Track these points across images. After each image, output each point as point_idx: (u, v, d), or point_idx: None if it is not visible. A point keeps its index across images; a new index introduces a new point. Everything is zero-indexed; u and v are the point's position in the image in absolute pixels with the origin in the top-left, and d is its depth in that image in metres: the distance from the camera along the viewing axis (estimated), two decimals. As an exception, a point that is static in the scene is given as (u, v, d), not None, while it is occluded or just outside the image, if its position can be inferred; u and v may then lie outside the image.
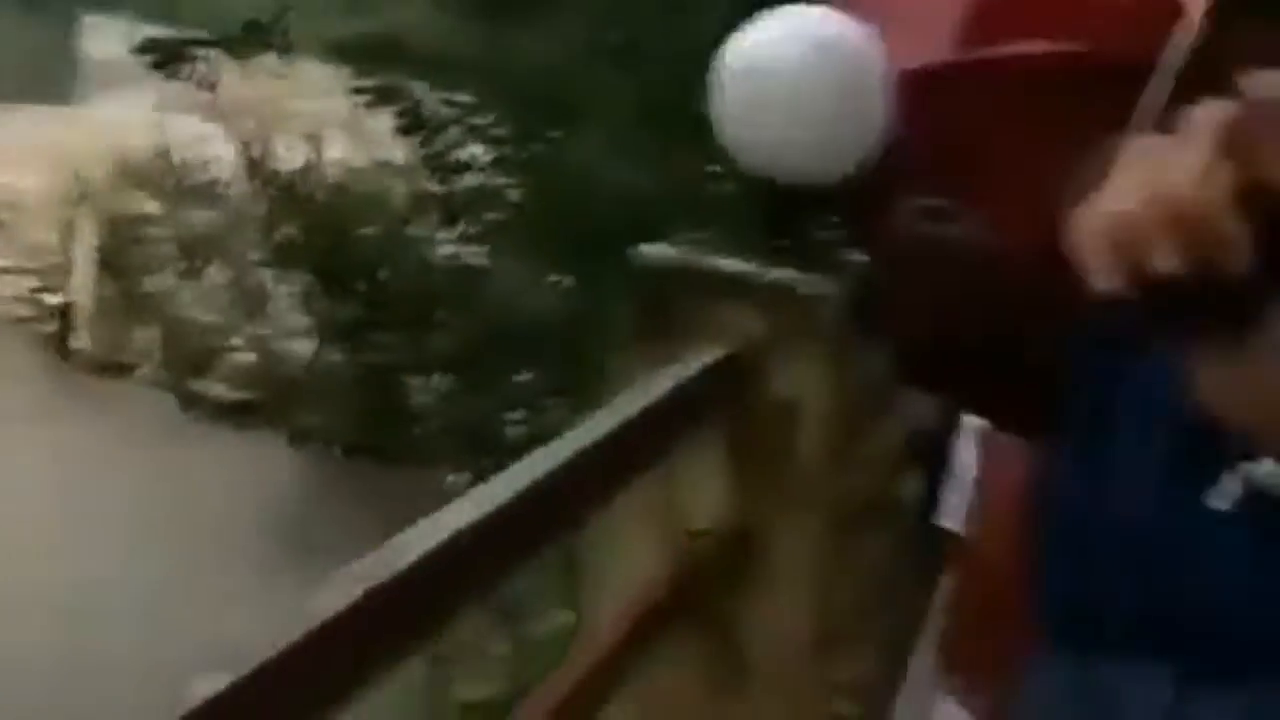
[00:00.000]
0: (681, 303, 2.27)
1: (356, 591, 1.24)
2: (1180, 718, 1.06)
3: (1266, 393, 0.87)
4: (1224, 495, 1.04)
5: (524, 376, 9.47)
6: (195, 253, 14.15)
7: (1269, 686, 1.03)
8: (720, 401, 2.26)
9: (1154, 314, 0.81)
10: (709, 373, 2.17)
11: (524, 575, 1.88)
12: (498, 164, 9.90)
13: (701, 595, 2.28)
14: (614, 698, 1.98)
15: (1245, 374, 0.85)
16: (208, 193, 14.14)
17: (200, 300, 14.11)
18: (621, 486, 1.98)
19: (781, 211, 2.32)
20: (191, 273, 14.22)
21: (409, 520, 1.37)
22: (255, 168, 12.79)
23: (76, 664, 7.17)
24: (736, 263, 2.29)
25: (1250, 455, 1.02)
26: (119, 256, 14.15)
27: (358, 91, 10.53)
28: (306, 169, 12.38)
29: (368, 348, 11.53)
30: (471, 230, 10.69)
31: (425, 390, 11.18)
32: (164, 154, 14.56)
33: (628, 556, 2.28)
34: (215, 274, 14.21)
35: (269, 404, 12.05)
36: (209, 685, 1.04)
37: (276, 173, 12.53)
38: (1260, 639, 1.03)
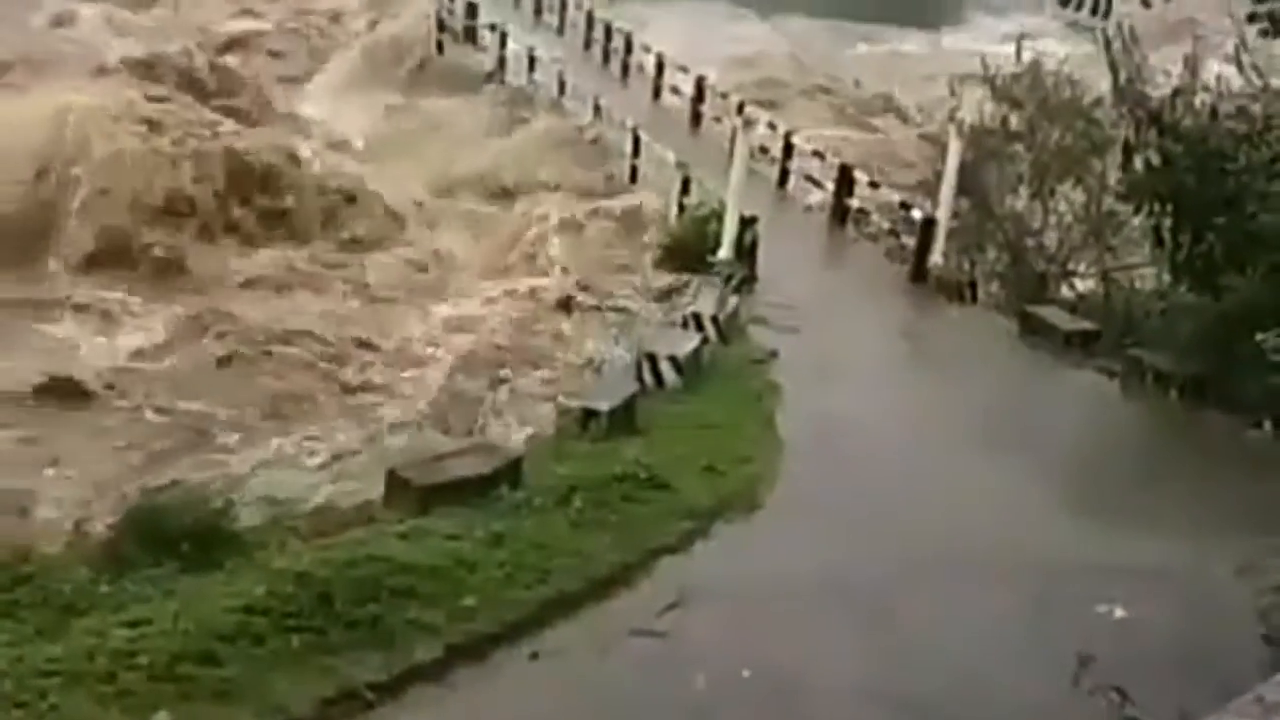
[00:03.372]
0: None
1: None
2: None
3: None
4: None
5: None
6: (1049, 173, 13.72)
7: None
8: None
9: None
10: None
11: None
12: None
13: None
14: None
15: None
16: (1072, 111, 13.67)
17: (1049, 224, 13.71)
18: None
19: None
20: (1043, 194, 13.84)
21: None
22: (1124, 89, 12.18)
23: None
24: None
25: None
26: (977, 175, 13.99)
27: (1250, 19, 9.95)
28: (1178, 92, 11.59)
29: (1223, 287, 10.60)
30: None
31: (1282, 341, 10.09)
32: (1032, 69, 14.27)
33: None
34: (1067, 198, 13.71)
35: (1107, 336, 11.46)
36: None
37: (1146, 95, 11.86)
38: None
